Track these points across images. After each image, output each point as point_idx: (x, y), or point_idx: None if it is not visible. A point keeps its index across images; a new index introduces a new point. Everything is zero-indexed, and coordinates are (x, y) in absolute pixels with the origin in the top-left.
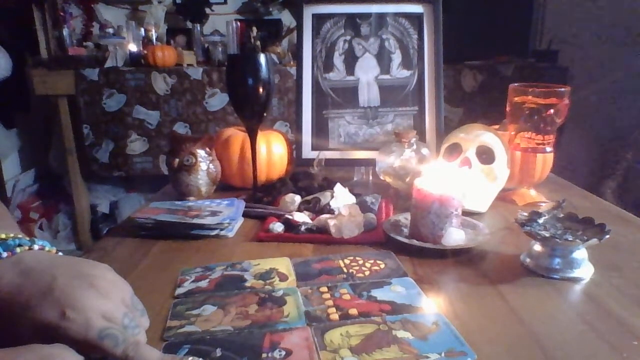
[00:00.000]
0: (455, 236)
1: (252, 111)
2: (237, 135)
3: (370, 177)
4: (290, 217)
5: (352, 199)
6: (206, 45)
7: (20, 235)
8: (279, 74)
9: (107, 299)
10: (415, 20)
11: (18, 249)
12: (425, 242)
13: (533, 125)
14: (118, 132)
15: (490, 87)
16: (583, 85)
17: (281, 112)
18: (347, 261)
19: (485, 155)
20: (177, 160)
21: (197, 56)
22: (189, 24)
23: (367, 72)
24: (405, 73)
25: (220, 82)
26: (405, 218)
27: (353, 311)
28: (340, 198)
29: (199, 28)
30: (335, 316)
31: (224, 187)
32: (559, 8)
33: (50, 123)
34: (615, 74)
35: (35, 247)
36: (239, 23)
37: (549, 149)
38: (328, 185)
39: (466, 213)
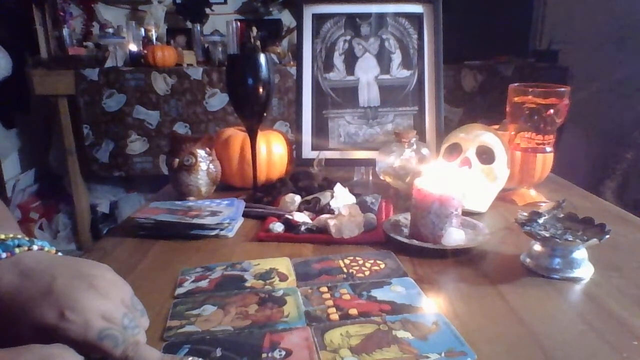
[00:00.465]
0: (455, 236)
1: (252, 111)
2: (237, 135)
3: (370, 177)
4: (290, 217)
5: (352, 199)
6: (206, 45)
7: (19, 236)
8: (279, 74)
9: (106, 299)
10: (415, 20)
11: (17, 250)
12: (425, 242)
13: (533, 125)
14: (118, 132)
15: (490, 87)
16: (583, 85)
17: (281, 112)
18: (347, 261)
19: (485, 155)
20: (177, 160)
21: (197, 56)
22: (189, 24)
23: (367, 72)
24: (405, 73)
25: (220, 82)
26: (405, 218)
27: (353, 311)
28: (340, 198)
29: (199, 28)
30: (335, 316)
31: (224, 187)
32: (559, 8)
33: (50, 123)
34: (615, 74)
35: (35, 247)
36: (239, 23)
37: (549, 149)
38: (328, 185)
39: (466, 213)
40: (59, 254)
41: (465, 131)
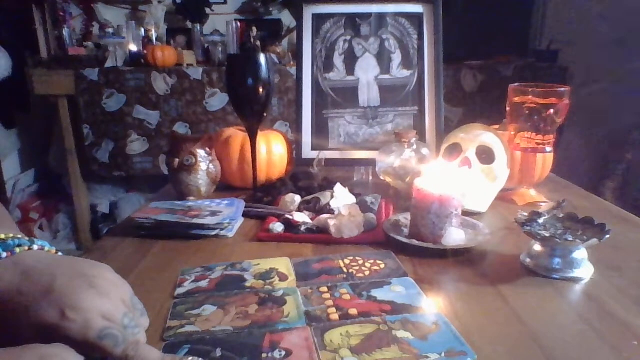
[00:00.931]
0: (455, 236)
1: (252, 111)
2: (237, 135)
3: (370, 177)
4: (290, 217)
5: (352, 199)
6: (206, 45)
7: (19, 236)
8: (279, 74)
9: (107, 299)
10: (415, 20)
11: (17, 249)
12: (425, 242)
13: (533, 125)
14: (118, 132)
15: (490, 87)
16: (583, 85)
17: (281, 112)
18: (347, 261)
19: (485, 155)
20: (177, 160)
21: (197, 56)
22: (189, 24)
23: (367, 72)
24: (405, 73)
25: (220, 82)
26: (405, 218)
27: (353, 311)
28: (340, 198)
29: (199, 28)
30: (335, 316)
31: (224, 187)
32: (559, 8)
33: (50, 123)
34: (615, 74)
35: (35, 247)
36: (239, 23)
37: (549, 149)
38: (328, 185)
39: (466, 213)
40: (59, 253)
41: (465, 131)
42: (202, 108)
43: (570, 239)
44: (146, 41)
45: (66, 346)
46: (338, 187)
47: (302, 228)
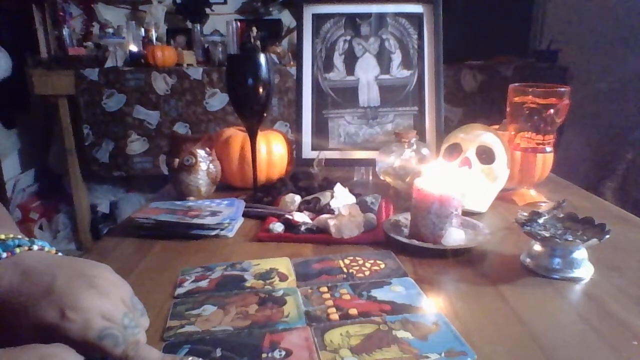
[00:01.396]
0: (455, 236)
1: (252, 111)
2: (237, 135)
3: (370, 177)
4: (290, 217)
5: (352, 199)
6: (206, 45)
7: (19, 236)
8: (279, 74)
9: (106, 299)
10: (415, 20)
11: (17, 250)
12: (425, 242)
13: (533, 125)
14: (118, 132)
15: (490, 87)
16: (583, 85)
17: (281, 112)
18: (347, 261)
19: (485, 155)
20: (177, 160)
21: (197, 56)
22: (189, 24)
23: (367, 72)
24: (405, 73)
25: (220, 82)
26: (405, 218)
27: (353, 311)
28: (340, 198)
29: (199, 28)
30: (335, 316)
31: (224, 187)
32: (559, 8)
33: (50, 123)
34: (615, 74)
35: (35, 247)
36: (239, 23)
37: (549, 149)
38: (328, 185)
39: (466, 213)
40: (59, 254)
41: (465, 131)
42: (202, 108)
43: (570, 239)
44: (146, 41)
45: (66, 346)
46: (338, 187)
47: (302, 228)
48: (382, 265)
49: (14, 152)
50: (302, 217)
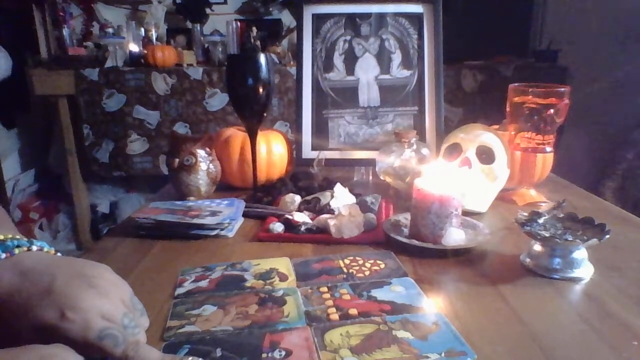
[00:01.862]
0: (455, 236)
1: (252, 111)
2: (237, 135)
3: (370, 177)
4: (290, 217)
5: (352, 199)
6: (206, 45)
7: (18, 237)
8: (279, 74)
9: (106, 299)
10: (415, 20)
11: (17, 250)
12: (425, 242)
13: (533, 125)
14: (118, 132)
15: (490, 87)
16: (583, 85)
17: (281, 112)
18: (347, 261)
19: (485, 155)
20: (177, 160)
21: (197, 56)
22: (189, 24)
23: (367, 72)
24: (405, 73)
25: (220, 82)
26: (405, 218)
27: (353, 311)
28: (340, 198)
29: (199, 28)
30: (335, 316)
31: (224, 187)
32: (559, 8)
33: (50, 123)
34: (615, 74)
35: (34, 248)
36: (239, 23)
37: (549, 149)
38: (328, 185)
39: (466, 213)
40: (59, 254)
41: (465, 131)
42: (202, 108)
43: (570, 239)
44: (146, 41)
45: (66, 346)
46: (338, 187)
47: (302, 228)
48: (382, 265)
49: (14, 152)
50: (302, 217)
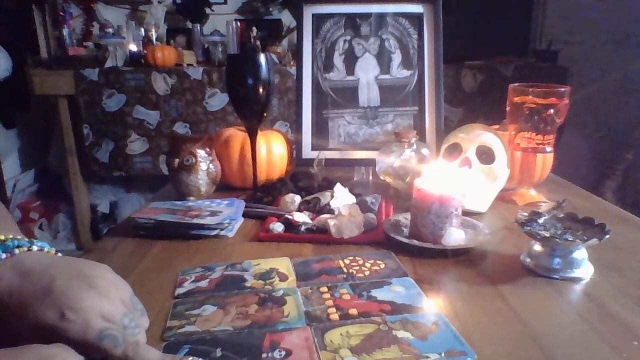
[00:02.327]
0: (455, 236)
1: (252, 111)
2: (237, 135)
3: (370, 177)
4: (290, 217)
5: (352, 199)
6: (206, 45)
7: (19, 237)
8: (279, 74)
9: (106, 299)
10: (415, 20)
11: (17, 250)
12: (425, 242)
13: (533, 125)
14: (118, 132)
15: (490, 87)
16: (583, 85)
17: (281, 112)
18: (347, 261)
19: (485, 155)
20: (177, 160)
21: (197, 56)
22: (189, 24)
23: (367, 72)
24: (405, 73)
25: (220, 82)
26: (405, 218)
27: (353, 311)
28: (340, 198)
29: (199, 28)
30: (335, 316)
31: (224, 187)
32: (559, 8)
33: (50, 123)
34: (615, 74)
35: (34, 248)
36: (239, 23)
37: (549, 149)
38: (328, 185)
39: (466, 213)
40: (59, 254)
41: (465, 131)
42: (202, 108)
43: (570, 239)
44: (146, 41)
45: (66, 346)
46: (338, 187)
47: (302, 228)
48: (382, 265)
49: (14, 152)
50: (302, 217)
